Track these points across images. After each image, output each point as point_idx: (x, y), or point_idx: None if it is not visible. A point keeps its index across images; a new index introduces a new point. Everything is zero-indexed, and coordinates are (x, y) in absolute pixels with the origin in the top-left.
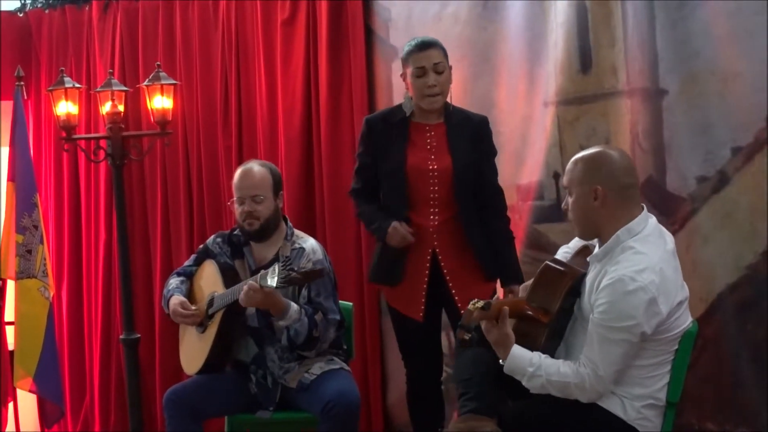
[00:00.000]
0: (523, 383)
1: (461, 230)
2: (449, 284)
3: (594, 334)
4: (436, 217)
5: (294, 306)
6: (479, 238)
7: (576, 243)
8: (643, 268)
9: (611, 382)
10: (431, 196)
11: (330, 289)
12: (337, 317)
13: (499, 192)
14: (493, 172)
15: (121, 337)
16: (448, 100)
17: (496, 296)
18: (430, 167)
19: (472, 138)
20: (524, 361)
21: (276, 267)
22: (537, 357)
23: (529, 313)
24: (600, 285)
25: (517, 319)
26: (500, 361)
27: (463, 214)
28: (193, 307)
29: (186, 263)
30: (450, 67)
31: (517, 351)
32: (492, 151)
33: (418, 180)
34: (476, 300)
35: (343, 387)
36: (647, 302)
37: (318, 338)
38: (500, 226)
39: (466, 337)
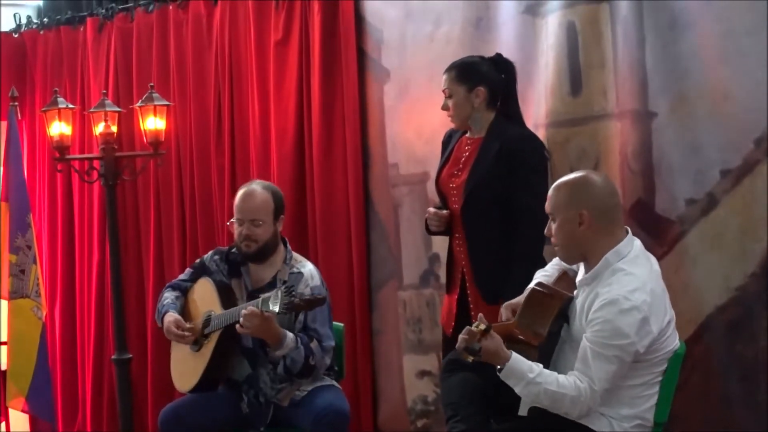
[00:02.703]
0: (518, 390)
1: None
2: (471, 306)
3: (588, 350)
4: (462, 235)
5: (290, 335)
6: (481, 261)
7: (552, 268)
8: (635, 288)
9: (600, 400)
10: (457, 213)
11: (326, 315)
12: (332, 343)
13: (528, 216)
14: (525, 194)
15: (113, 357)
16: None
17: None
18: (452, 183)
19: (498, 156)
20: (524, 365)
21: (279, 293)
22: (536, 365)
23: (520, 337)
24: (592, 307)
25: (507, 342)
26: (497, 367)
27: (468, 234)
28: (188, 326)
29: (181, 277)
30: (469, 89)
31: (519, 356)
32: (522, 173)
33: (447, 195)
34: (478, 322)
35: (334, 399)
36: (640, 321)
37: (314, 366)
38: (511, 246)
39: (470, 359)
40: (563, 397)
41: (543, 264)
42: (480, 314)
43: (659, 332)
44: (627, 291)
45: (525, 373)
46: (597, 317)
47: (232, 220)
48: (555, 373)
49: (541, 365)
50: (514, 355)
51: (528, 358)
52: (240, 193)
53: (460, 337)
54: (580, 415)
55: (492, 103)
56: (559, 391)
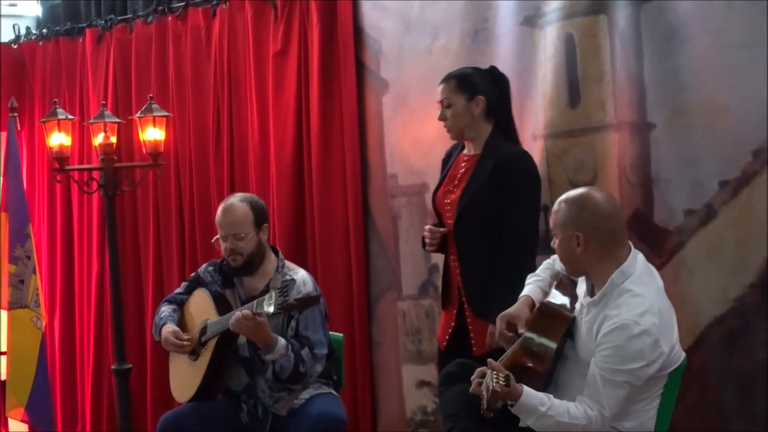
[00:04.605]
0: (530, 423)
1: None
2: (467, 322)
3: (597, 377)
4: (455, 251)
5: (281, 341)
6: (473, 278)
7: (544, 272)
8: (643, 311)
9: (610, 423)
10: (450, 230)
11: (319, 321)
12: (324, 351)
13: (516, 233)
14: (516, 213)
15: (112, 367)
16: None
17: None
18: (446, 200)
19: (491, 174)
20: (536, 400)
21: (273, 293)
22: (547, 397)
23: (529, 364)
24: (600, 330)
25: (514, 370)
26: (509, 402)
27: (461, 251)
28: (186, 337)
29: (177, 291)
30: (469, 99)
31: (530, 390)
32: (515, 192)
33: (442, 212)
34: (496, 376)
35: (330, 407)
36: (651, 344)
37: (304, 373)
38: (496, 260)
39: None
40: (575, 428)
41: None
42: (499, 365)
43: (669, 350)
44: (636, 315)
45: (536, 407)
46: (606, 342)
47: (216, 237)
48: (566, 403)
49: (551, 396)
50: (525, 390)
51: (534, 381)
52: (219, 209)
53: (481, 390)
54: None
55: (489, 115)
56: (571, 422)
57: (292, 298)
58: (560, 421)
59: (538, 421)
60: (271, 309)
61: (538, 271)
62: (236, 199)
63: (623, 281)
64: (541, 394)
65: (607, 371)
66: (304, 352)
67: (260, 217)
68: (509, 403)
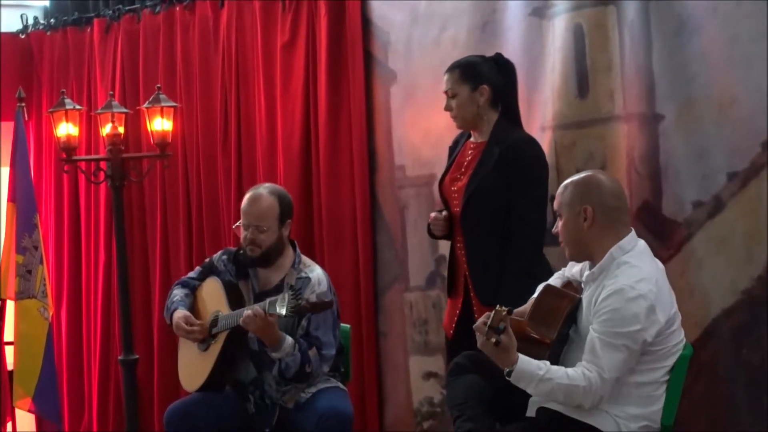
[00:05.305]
0: (530, 390)
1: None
2: (474, 310)
3: (596, 341)
4: (462, 239)
5: (288, 339)
6: (479, 265)
7: (555, 280)
8: (640, 278)
9: (610, 389)
10: (457, 217)
11: (330, 322)
12: (333, 352)
13: (524, 223)
14: (524, 202)
15: (119, 358)
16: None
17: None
18: (453, 187)
19: (498, 161)
20: (532, 365)
21: (286, 296)
22: (544, 363)
23: (533, 335)
24: (598, 299)
25: (519, 340)
26: (505, 369)
27: (467, 238)
28: (197, 322)
29: (190, 275)
30: (473, 88)
31: (525, 357)
32: (522, 181)
33: (448, 199)
34: (500, 305)
35: (337, 402)
36: (647, 309)
37: (310, 373)
38: (504, 249)
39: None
40: (576, 389)
41: (537, 275)
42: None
43: (666, 322)
44: (633, 281)
45: (534, 372)
46: (604, 307)
47: (238, 223)
48: (562, 368)
49: (548, 362)
50: (521, 357)
51: (539, 355)
52: (247, 196)
53: (482, 319)
54: (593, 404)
55: (495, 103)
56: (571, 384)
57: (305, 299)
58: (560, 383)
59: (538, 386)
60: (284, 311)
61: (550, 280)
62: (265, 190)
63: (621, 255)
64: (537, 361)
65: (605, 334)
66: (312, 352)
67: (286, 212)
68: (506, 370)
